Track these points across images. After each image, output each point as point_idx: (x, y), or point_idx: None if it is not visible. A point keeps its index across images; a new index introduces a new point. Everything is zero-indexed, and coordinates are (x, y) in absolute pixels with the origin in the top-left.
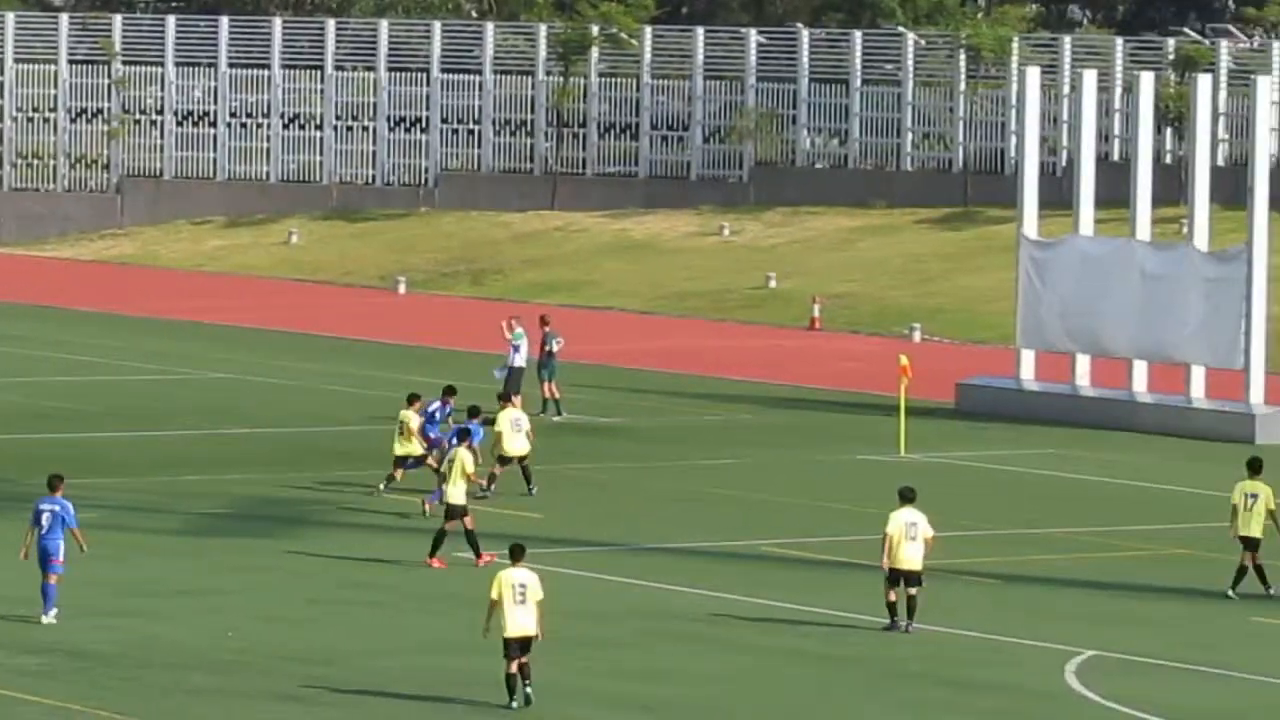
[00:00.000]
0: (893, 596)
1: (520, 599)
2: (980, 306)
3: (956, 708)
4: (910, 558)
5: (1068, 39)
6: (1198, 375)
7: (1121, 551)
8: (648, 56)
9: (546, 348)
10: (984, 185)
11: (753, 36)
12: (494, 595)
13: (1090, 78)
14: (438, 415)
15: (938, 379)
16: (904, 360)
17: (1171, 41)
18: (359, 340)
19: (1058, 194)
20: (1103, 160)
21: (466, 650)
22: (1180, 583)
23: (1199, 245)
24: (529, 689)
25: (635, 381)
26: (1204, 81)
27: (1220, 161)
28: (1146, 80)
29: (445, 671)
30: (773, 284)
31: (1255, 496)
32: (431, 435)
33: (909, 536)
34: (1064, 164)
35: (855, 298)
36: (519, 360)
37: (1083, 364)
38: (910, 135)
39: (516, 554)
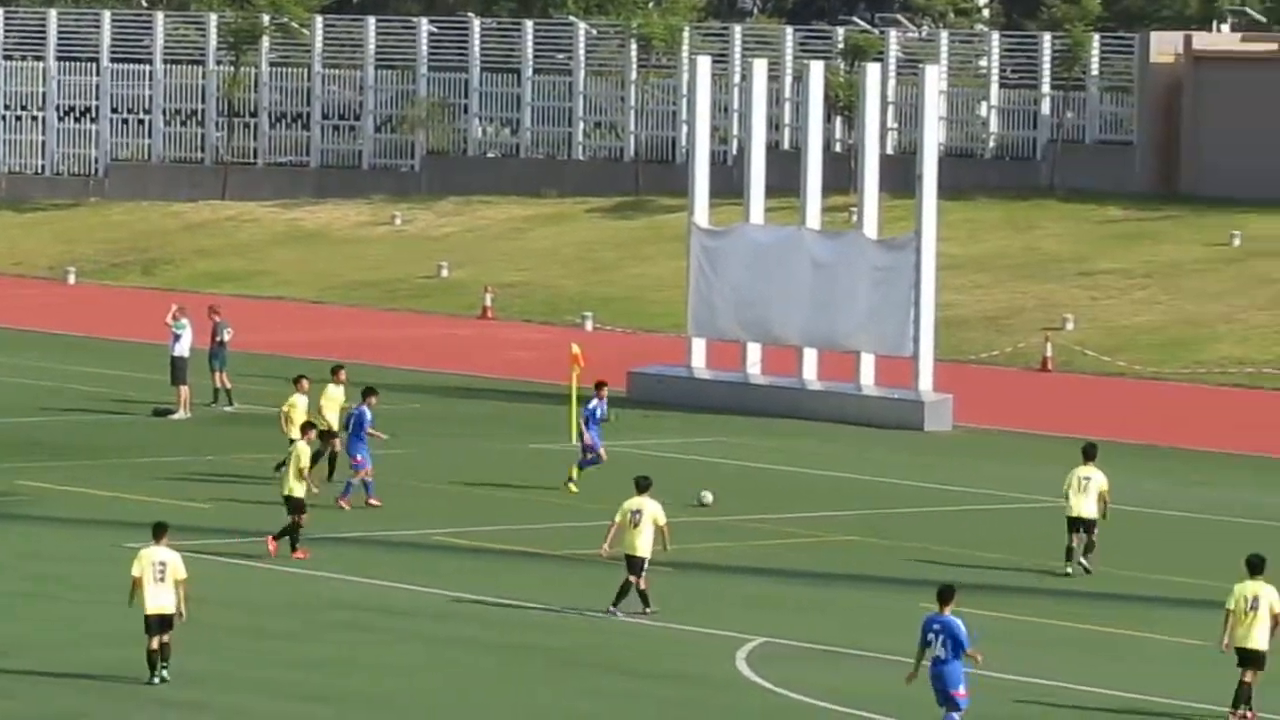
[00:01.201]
0: (644, 584)
1: (159, 577)
2: (652, 295)
3: (633, 695)
4: (641, 545)
5: (738, 28)
6: (867, 363)
7: (792, 538)
8: (319, 46)
9: (217, 338)
10: (655, 174)
11: (424, 26)
12: (135, 573)
13: (760, 67)
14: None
15: (609, 367)
16: (576, 349)
17: (841, 31)
18: (28, 331)
19: (728, 183)
20: (773, 149)
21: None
22: (849, 569)
23: (868, 233)
24: (165, 670)
25: (306, 371)
26: (873, 71)
27: (890, 150)
28: (816, 69)
29: (125, 661)
30: (445, 273)
31: (1089, 479)
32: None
33: (633, 524)
34: (735, 153)
35: (527, 286)
36: (180, 349)
37: (754, 352)
38: (581, 124)
39: (158, 532)
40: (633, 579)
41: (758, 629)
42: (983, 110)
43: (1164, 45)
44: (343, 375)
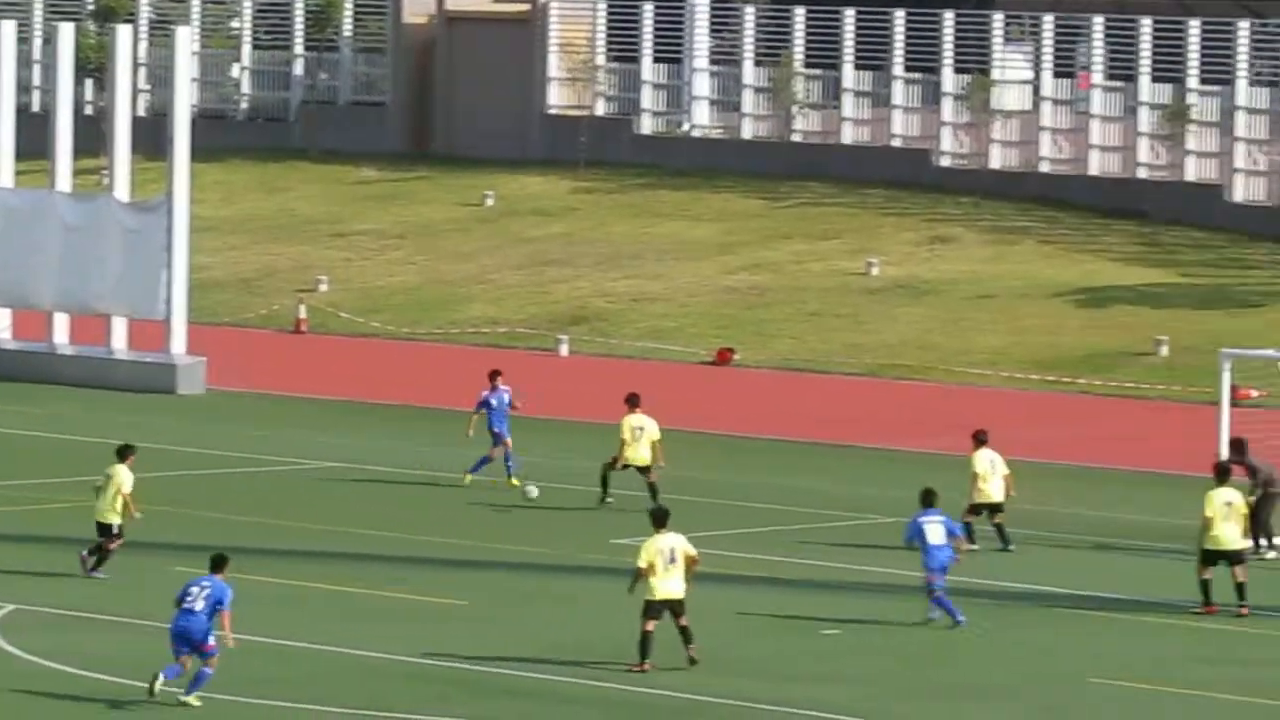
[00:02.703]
0: None
1: None
2: None
3: None
4: None
5: None
6: (120, 327)
7: (45, 505)
8: None
9: None
10: None
11: None
12: None
13: (9, 28)
14: None
15: None
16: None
17: None
18: None
19: None
20: (23, 112)
21: None
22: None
23: (120, 196)
24: None
25: None
26: (124, 32)
27: (142, 112)
28: (66, 31)
29: None
30: None
31: (994, 462)
32: None
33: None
34: None
35: None
36: None
37: (3, 317)
38: None
39: None
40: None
41: (8, 597)
42: (235, 71)
43: (417, 6)
44: None
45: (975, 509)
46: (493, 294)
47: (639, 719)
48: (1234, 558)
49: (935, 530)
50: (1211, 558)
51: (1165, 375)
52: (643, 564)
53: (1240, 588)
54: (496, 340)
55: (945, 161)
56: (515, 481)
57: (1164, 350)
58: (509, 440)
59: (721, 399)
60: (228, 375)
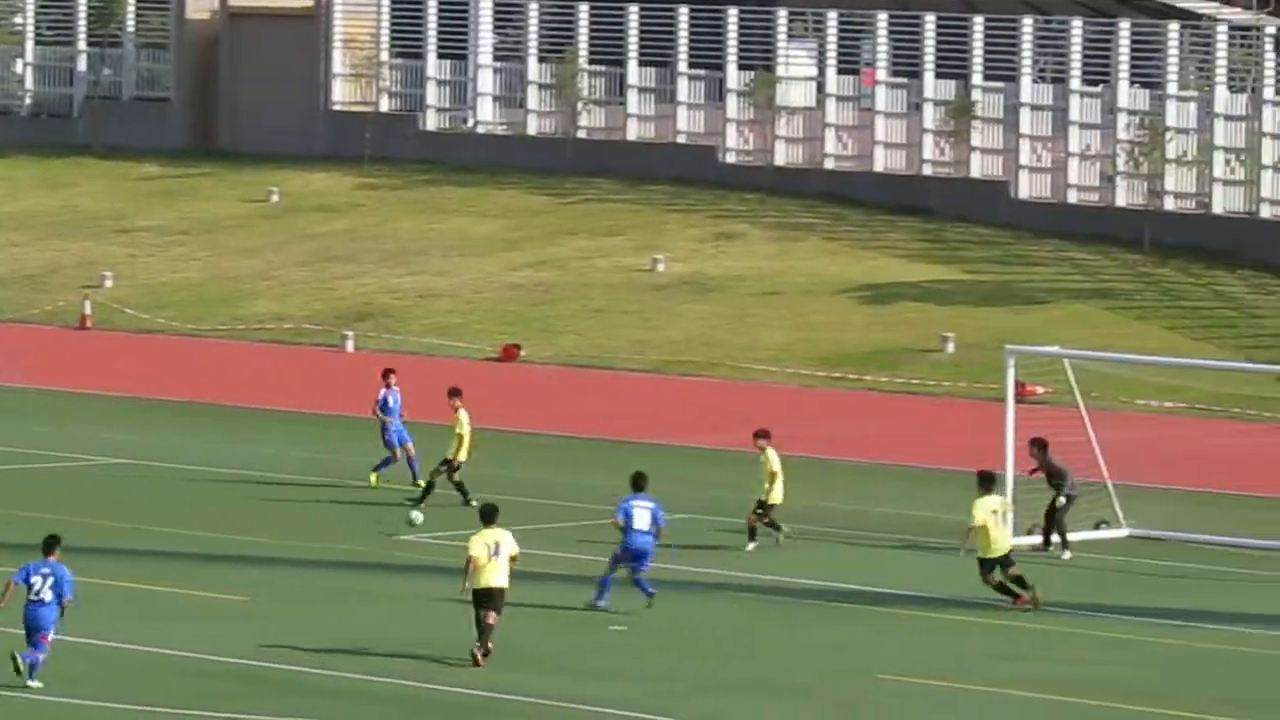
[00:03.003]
0: None
1: None
2: None
3: None
4: None
5: None
6: None
7: None
8: None
9: None
10: None
11: None
12: None
13: None
14: None
15: None
16: None
17: None
18: None
19: None
20: None
21: None
22: None
23: None
24: None
25: None
26: None
27: None
28: None
29: None
30: None
31: (764, 453)
32: None
33: None
34: None
35: None
36: None
37: None
38: None
39: None
40: None
41: None
42: (18, 67)
43: (200, 2)
44: None
45: (764, 507)
46: (278, 290)
47: (431, 715)
48: (1005, 561)
49: (642, 515)
50: (991, 565)
51: (951, 372)
52: (472, 553)
53: (1019, 579)
54: (282, 336)
55: (730, 158)
56: (420, 482)
57: (949, 347)
58: (410, 443)
59: (507, 395)
60: (12, 372)
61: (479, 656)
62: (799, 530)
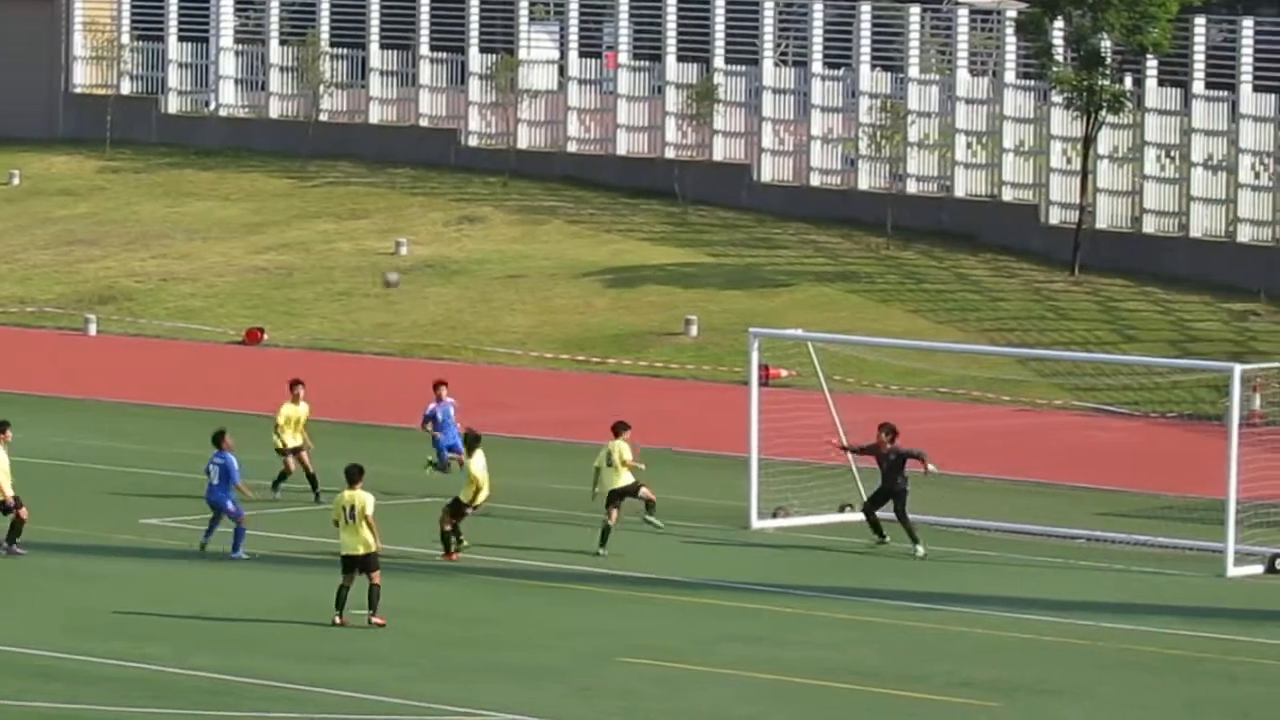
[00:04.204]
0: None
1: None
2: None
3: None
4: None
5: None
6: None
7: None
8: None
9: None
10: None
11: None
12: None
13: None
14: None
15: None
16: None
17: None
18: None
19: None
20: None
21: None
22: None
23: None
24: None
25: None
26: None
27: None
28: None
29: None
30: None
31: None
32: None
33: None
34: None
35: None
36: None
37: None
38: None
39: None
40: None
41: None
42: None
43: None
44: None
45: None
46: (20, 273)
47: (168, 698)
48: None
49: (215, 471)
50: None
51: (695, 355)
52: (334, 517)
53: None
54: (25, 320)
55: (473, 141)
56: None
57: (693, 330)
58: (462, 453)
59: (251, 379)
60: None
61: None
62: (558, 517)
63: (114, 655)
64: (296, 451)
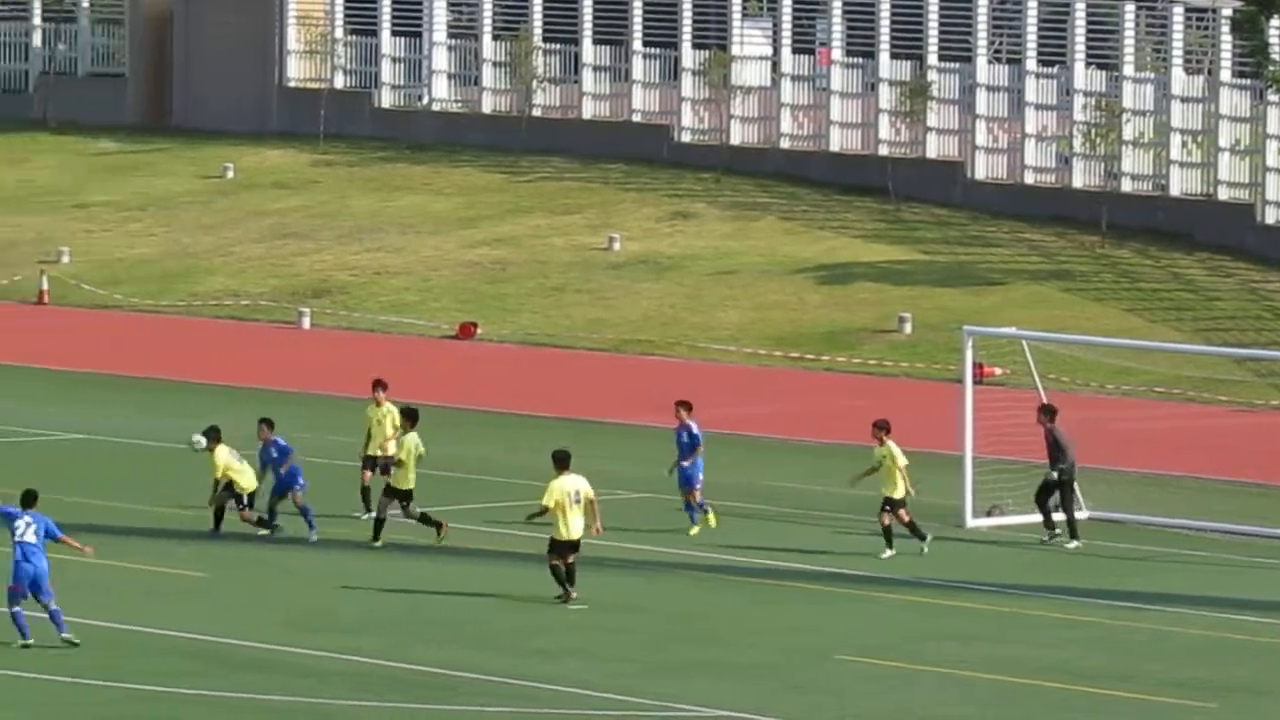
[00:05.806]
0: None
1: None
2: None
3: None
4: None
5: None
6: None
7: None
8: None
9: None
10: None
11: None
12: None
13: None
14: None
15: None
16: None
17: None
18: None
19: None
20: None
21: None
22: None
23: None
24: None
25: None
26: None
27: None
28: None
29: None
30: None
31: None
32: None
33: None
34: None
35: None
36: None
37: None
38: None
39: None
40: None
41: None
42: None
43: None
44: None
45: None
46: (234, 266)
47: (388, 692)
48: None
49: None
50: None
51: (908, 353)
52: (553, 501)
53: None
54: (238, 313)
55: (686, 137)
56: (695, 530)
57: (907, 328)
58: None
59: (464, 373)
60: None
61: None
62: (762, 511)
63: (328, 648)
64: (373, 464)
